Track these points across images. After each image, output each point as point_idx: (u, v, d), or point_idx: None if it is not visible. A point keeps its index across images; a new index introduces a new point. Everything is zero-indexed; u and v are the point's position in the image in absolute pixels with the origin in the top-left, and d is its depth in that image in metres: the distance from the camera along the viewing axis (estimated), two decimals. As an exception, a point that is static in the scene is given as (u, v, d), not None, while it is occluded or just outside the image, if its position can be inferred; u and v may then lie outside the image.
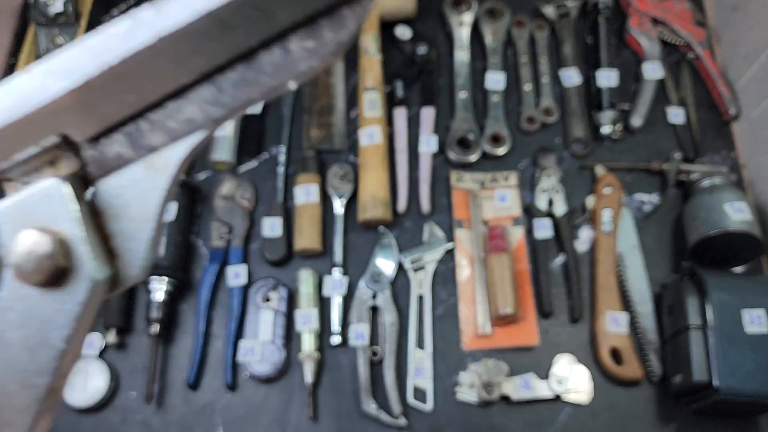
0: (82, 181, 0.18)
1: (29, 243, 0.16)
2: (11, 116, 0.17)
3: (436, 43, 0.86)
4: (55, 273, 0.17)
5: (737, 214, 0.69)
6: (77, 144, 0.18)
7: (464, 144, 0.79)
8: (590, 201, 0.76)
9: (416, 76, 0.84)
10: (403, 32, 0.86)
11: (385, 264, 0.73)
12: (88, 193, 0.18)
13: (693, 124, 0.82)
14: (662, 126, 0.82)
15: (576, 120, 0.81)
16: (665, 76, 0.83)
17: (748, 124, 0.81)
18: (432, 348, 0.70)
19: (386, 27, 0.86)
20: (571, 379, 0.67)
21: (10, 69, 0.86)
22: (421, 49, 0.84)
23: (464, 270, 0.73)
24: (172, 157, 0.17)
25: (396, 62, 0.85)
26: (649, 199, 0.78)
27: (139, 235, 0.17)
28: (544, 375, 0.68)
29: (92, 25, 0.87)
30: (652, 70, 0.83)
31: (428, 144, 0.79)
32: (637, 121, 0.80)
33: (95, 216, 0.17)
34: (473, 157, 0.78)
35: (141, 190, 0.17)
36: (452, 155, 0.78)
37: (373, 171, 0.75)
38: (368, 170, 0.75)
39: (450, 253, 0.74)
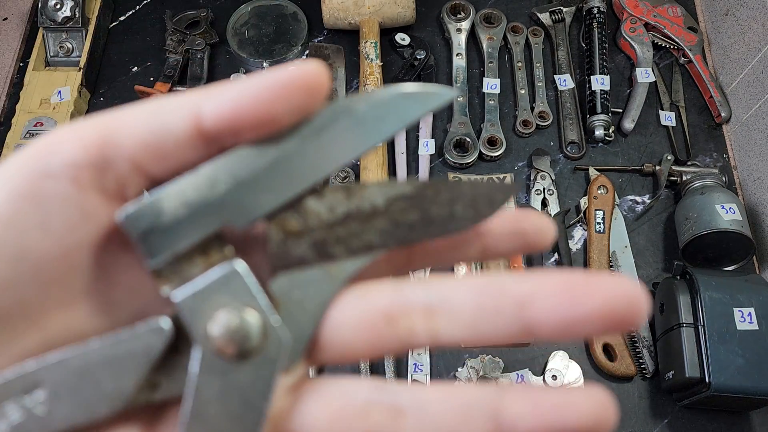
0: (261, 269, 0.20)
1: (225, 320, 0.18)
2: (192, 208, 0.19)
3: (434, 49, 0.88)
4: (251, 345, 0.18)
5: (728, 214, 0.70)
6: (233, 234, 0.20)
7: (461, 147, 0.81)
8: (583, 202, 0.78)
9: (415, 79, 0.86)
10: (403, 39, 0.87)
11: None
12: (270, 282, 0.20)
13: (685, 127, 0.84)
14: (655, 129, 0.83)
15: (570, 123, 0.83)
16: (657, 80, 0.85)
17: (739, 126, 0.82)
18: (430, 345, 0.71)
19: (386, 33, 0.87)
20: (566, 376, 0.69)
21: (20, 73, 0.87)
22: (420, 55, 0.86)
23: (462, 271, 0.75)
24: (347, 269, 0.20)
25: (396, 67, 0.87)
26: (642, 200, 0.79)
27: (303, 327, 0.19)
28: (539, 371, 0.69)
29: (99, 30, 0.89)
30: (645, 74, 0.84)
31: (427, 147, 0.80)
32: (628, 124, 0.82)
33: (272, 301, 0.19)
34: (470, 159, 0.80)
35: (314, 291, 0.19)
36: (450, 157, 0.80)
37: (373, 173, 0.77)
38: (369, 172, 0.77)
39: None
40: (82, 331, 0.19)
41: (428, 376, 0.70)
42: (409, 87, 0.20)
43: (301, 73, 0.19)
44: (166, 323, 0.18)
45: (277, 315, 0.19)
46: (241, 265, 0.19)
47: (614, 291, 0.17)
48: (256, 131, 0.19)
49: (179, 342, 0.19)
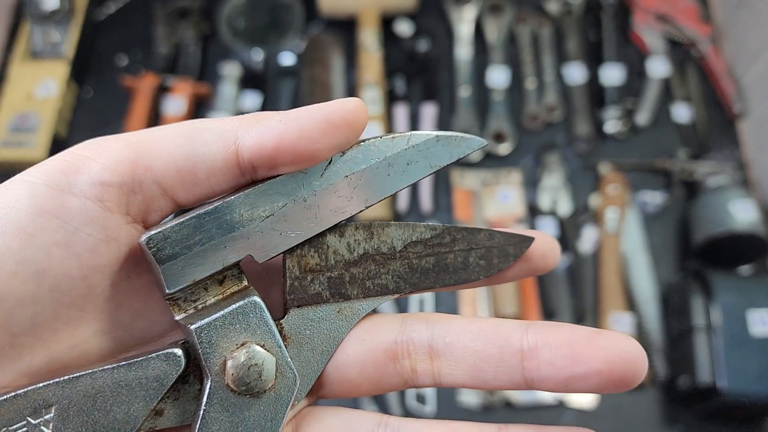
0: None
1: (242, 358, 0.18)
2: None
3: (437, 39, 0.85)
4: (264, 385, 0.18)
5: (743, 213, 0.68)
6: (250, 266, 0.20)
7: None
8: (594, 200, 0.75)
9: (417, 72, 0.83)
10: (404, 28, 0.85)
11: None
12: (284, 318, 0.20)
13: (698, 122, 0.81)
14: (667, 124, 0.81)
15: (580, 117, 0.80)
16: (670, 74, 0.82)
17: (754, 121, 0.80)
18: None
19: (386, 22, 0.85)
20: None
21: (4, 66, 0.84)
22: (422, 45, 0.83)
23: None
24: (360, 309, 0.20)
25: (396, 58, 0.84)
26: (654, 198, 0.77)
27: (313, 364, 0.20)
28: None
29: (87, 21, 0.86)
30: (657, 67, 0.82)
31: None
32: (643, 118, 0.80)
33: (282, 337, 0.20)
34: (475, 156, 0.77)
35: (326, 329, 0.20)
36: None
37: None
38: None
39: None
40: (87, 351, 0.19)
41: (434, 397, 0.67)
42: (442, 132, 0.21)
43: (344, 111, 0.19)
44: (180, 353, 0.18)
45: (288, 353, 0.19)
46: (257, 300, 0.19)
47: (615, 352, 0.17)
48: (294, 166, 0.19)
49: (187, 370, 0.19)
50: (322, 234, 0.20)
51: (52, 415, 0.17)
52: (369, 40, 0.81)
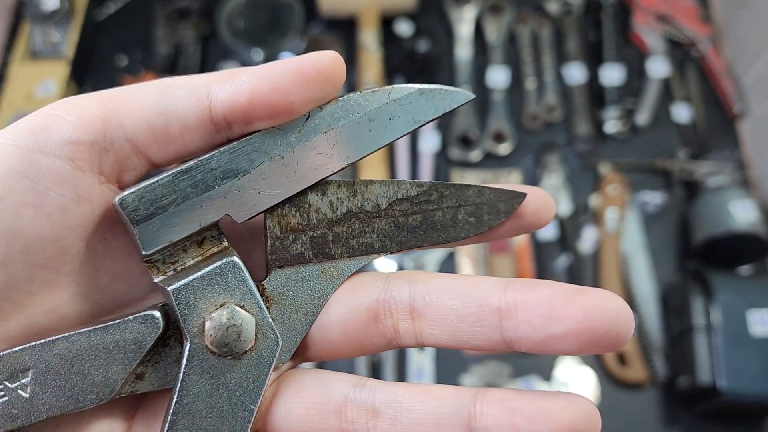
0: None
1: (220, 319, 0.18)
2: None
3: (437, 39, 0.85)
4: (244, 346, 0.18)
5: (743, 213, 0.68)
6: (230, 226, 0.19)
7: (466, 142, 0.78)
8: (594, 200, 0.75)
9: (417, 72, 0.83)
10: (404, 28, 0.85)
11: (386, 264, 0.72)
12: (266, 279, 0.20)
13: (698, 122, 0.81)
14: (667, 124, 0.81)
15: (580, 117, 0.80)
16: (670, 74, 0.82)
17: (755, 121, 0.80)
18: (433, 350, 0.69)
19: (386, 22, 0.85)
20: (575, 382, 0.66)
21: (4, 66, 0.84)
22: (422, 45, 0.83)
23: (466, 271, 0.72)
24: (345, 269, 0.20)
25: (396, 58, 0.84)
26: (654, 198, 0.77)
27: (296, 326, 0.19)
28: (548, 377, 0.67)
29: (87, 21, 0.86)
30: (657, 67, 0.82)
31: (429, 142, 0.77)
32: (643, 118, 0.79)
33: (265, 298, 0.19)
34: (475, 156, 0.77)
35: (309, 290, 0.19)
36: (454, 154, 0.77)
37: (372, 170, 0.74)
38: (368, 169, 0.74)
39: (451, 254, 0.73)
40: (65, 315, 0.18)
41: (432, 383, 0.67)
42: (425, 85, 0.20)
43: (319, 62, 0.18)
44: (158, 315, 0.18)
45: (271, 315, 0.19)
46: (236, 260, 0.18)
47: (595, 310, 0.16)
48: (269, 121, 0.18)
49: (167, 333, 0.18)
50: (303, 192, 0.19)
51: (29, 378, 0.17)
52: (369, 40, 0.81)
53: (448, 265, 0.73)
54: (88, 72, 0.85)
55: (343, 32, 0.86)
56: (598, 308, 0.16)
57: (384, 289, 0.19)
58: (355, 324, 0.19)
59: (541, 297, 0.17)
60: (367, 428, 0.18)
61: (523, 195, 0.21)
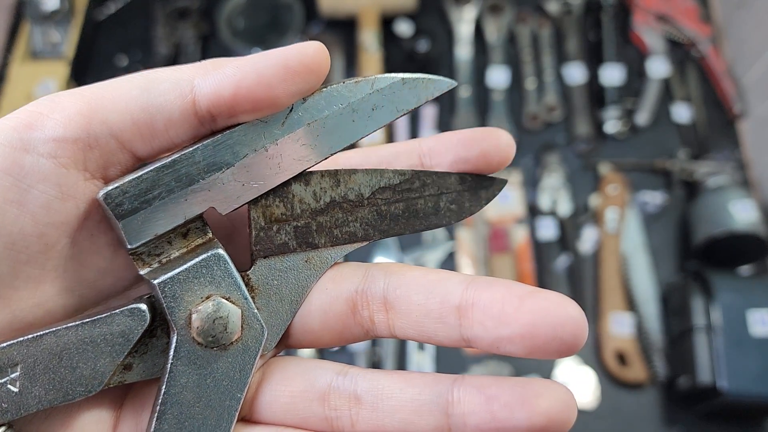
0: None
1: (207, 311, 0.18)
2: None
3: (437, 39, 0.85)
4: (230, 337, 0.18)
5: (743, 213, 0.68)
6: (214, 217, 0.19)
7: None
8: (594, 200, 0.75)
9: (417, 72, 0.83)
10: (404, 28, 0.85)
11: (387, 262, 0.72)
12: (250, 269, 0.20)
13: (698, 122, 0.81)
14: (667, 124, 0.81)
15: (580, 117, 0.80)
16: (670, 74, 0.82)
17: (755, 121, 0.80)
18: (433, 350, 0.69)
19: (386, 22, 0.85)
20: (575, 382, 0.66)
21: (4, 66, 0.84)
22: (422, 45, 0.83)
23: (466, 271, 0.72)
24: (328, 258, 0.20)
25: (396, 58, 0.84)
26: (654, 198, 0.77)
27: (281, 315, 0.20)
28: (548, 377, 0.67)
29: (87, 21, 0.86)
30: (657, 67, 0.82)
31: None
32: (643, 118, 0.79)
33: (249, 288, 0.19)
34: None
35: (293, 279, 0.20)
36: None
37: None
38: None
39: (452, 254, 0.73)
40: (51, 309, 0.18)
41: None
42: (408, 74, 0.20)
43: (303, 55, 0.18)
44: (145, 308, 0.18)
45: (256, 305, 0.19)
46: (221, 252, 0.18)
47: (541, 315, 0.16)
48: (254, 114, 0.18)
49: (154, 325, 0.19)
50: (287, 183, 0.19)
51: (18, 373, 0.17)
52: (369, 40, 0.81)
53: (449, 265, 0.73)
54: (88, 72, 0.85)
55: (343, 32, 0.86)
56: (545, 313, 0.16)
57: (363, 280, 0.19)
58: (334, 314, 0.20)
59: (495, 297, 0.17)
60: (350, 415, 0.18)
61: (505, 181, 0.21)
